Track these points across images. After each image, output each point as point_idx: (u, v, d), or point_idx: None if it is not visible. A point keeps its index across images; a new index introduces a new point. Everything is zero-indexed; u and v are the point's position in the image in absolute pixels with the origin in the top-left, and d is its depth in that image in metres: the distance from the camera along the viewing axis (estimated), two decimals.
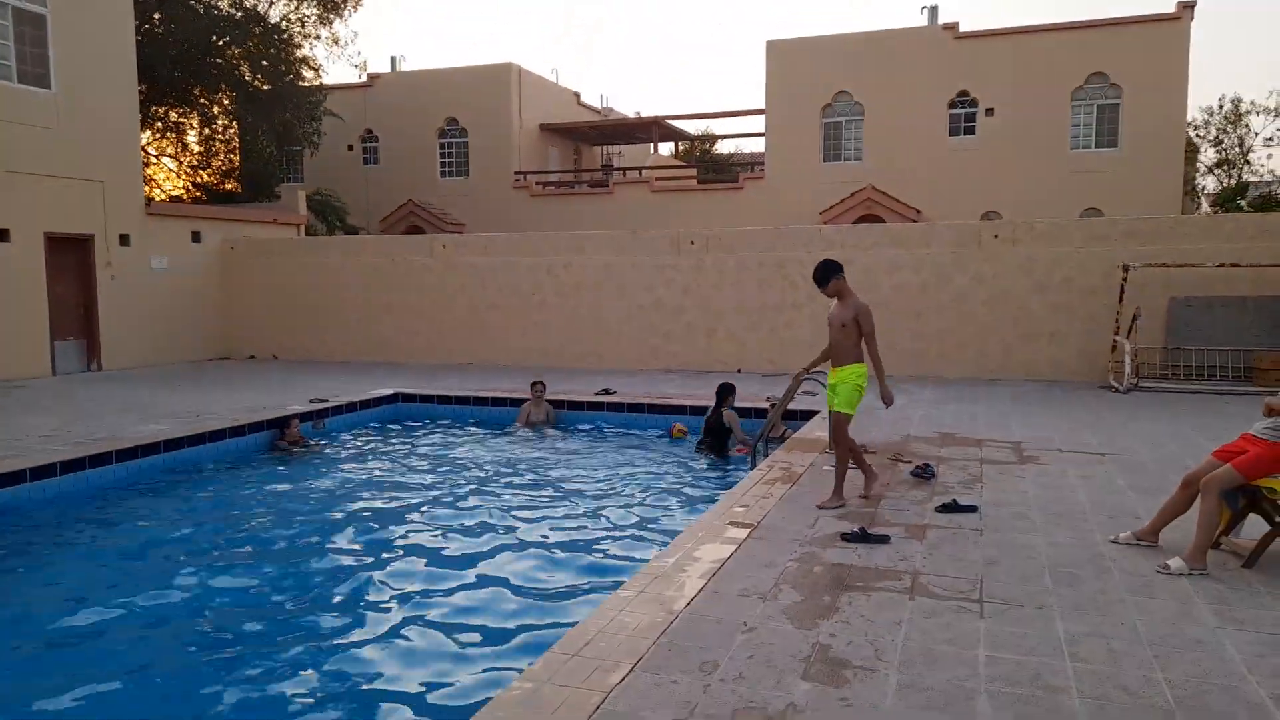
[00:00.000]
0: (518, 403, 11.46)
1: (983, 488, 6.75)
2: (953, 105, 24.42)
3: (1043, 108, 23.47)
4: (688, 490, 8.29)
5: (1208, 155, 34.61)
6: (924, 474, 7.05)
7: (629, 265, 15.79)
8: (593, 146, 35.61)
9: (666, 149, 38.69)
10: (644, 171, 29.70)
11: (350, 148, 29.10)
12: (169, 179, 23.67)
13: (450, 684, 4.39)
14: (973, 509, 6.07)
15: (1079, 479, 7.01)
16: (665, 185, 27.63)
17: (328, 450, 9.96)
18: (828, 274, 6.47)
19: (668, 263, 15.55)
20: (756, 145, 35.36)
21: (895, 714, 3.31)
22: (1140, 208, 21.39)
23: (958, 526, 5.72)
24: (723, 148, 43.85)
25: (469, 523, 7.13)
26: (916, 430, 9.25)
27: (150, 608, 5.40)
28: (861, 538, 5.41)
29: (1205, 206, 33.37)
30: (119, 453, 8.15)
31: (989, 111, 24.08)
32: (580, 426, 11.21)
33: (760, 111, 27.07)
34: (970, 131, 24.36)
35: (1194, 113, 34.34)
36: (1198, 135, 33.96)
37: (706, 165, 37.72)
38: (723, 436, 9.62)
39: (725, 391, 9.75)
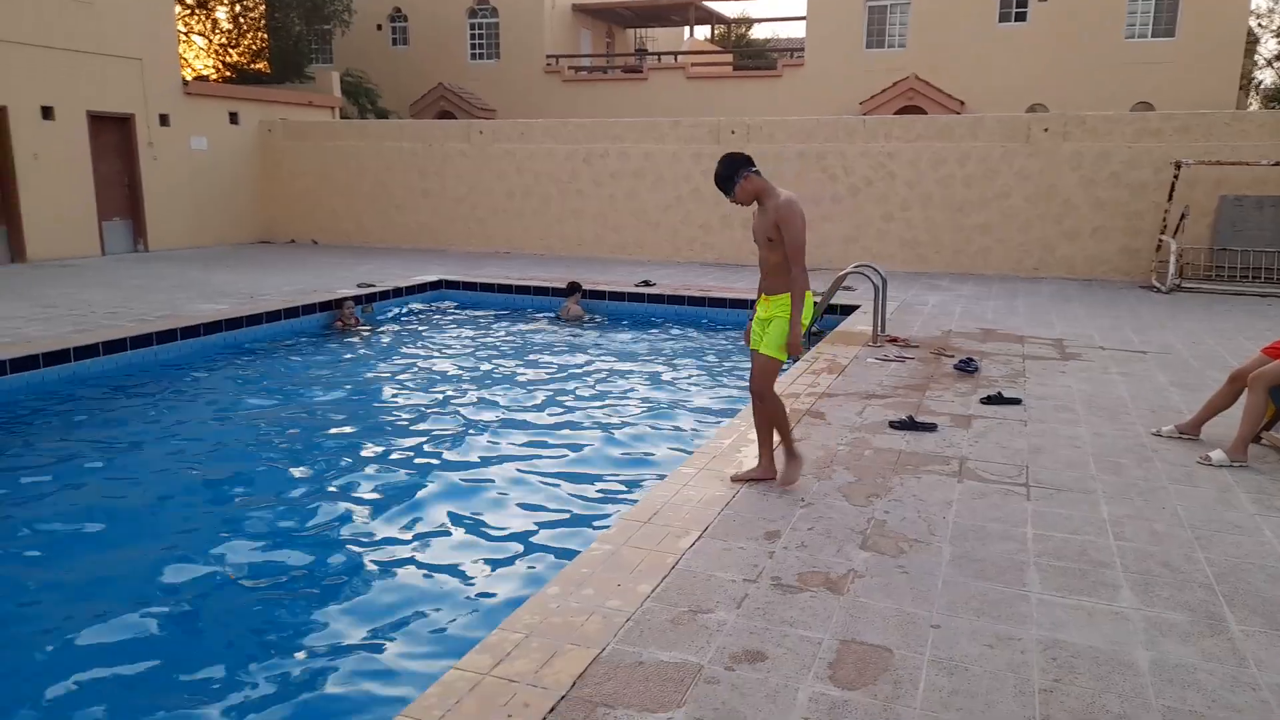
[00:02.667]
0: (559, 292, 11.62)
1: (1026, 382, 6.90)
2: None
3: None
4: (731, 379, 8.50)
5: (1268, 47, 33.07)
6: (967, 368, 7.20)
7: (668, 154, 15.62)
8: (626, 29, 34.53)
9: (702, 33, 37.41)
10: (679, 57, 28.88)
11: (379, 27, 28.43)
12: (199, 57, 23.36)
13: (512, 558, 4.70)
14: (1017, 401, 6.24)
15: (1121, 375, 7.13)
16: (700, 71, 26.91)
17: (380, 333, 10.23)
18: (732, 171, 4.42)
19: (706, 151, 15.36)
20: (796, 30, 34.15)
21: (951, 582, 3.56)
22: (1194, 102, 20.67)
23: (1002, 417, 5.90)
24: (760, 33, 42.36)
25: (521, 404, 7.40)
26: (958, 326, 9.34)
27: (236, 475, 5.76)
28: (909, 425, 5.62)
29: (1256, 104, 32.08)
30: (183, 329, 8.45)
31: None
32: (621, 319, 11.38)
33: None
34: (1021, 18, 23.36)
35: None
36: (1260, 24, 32.37)
37: (743, 51, 36.54)
38: None
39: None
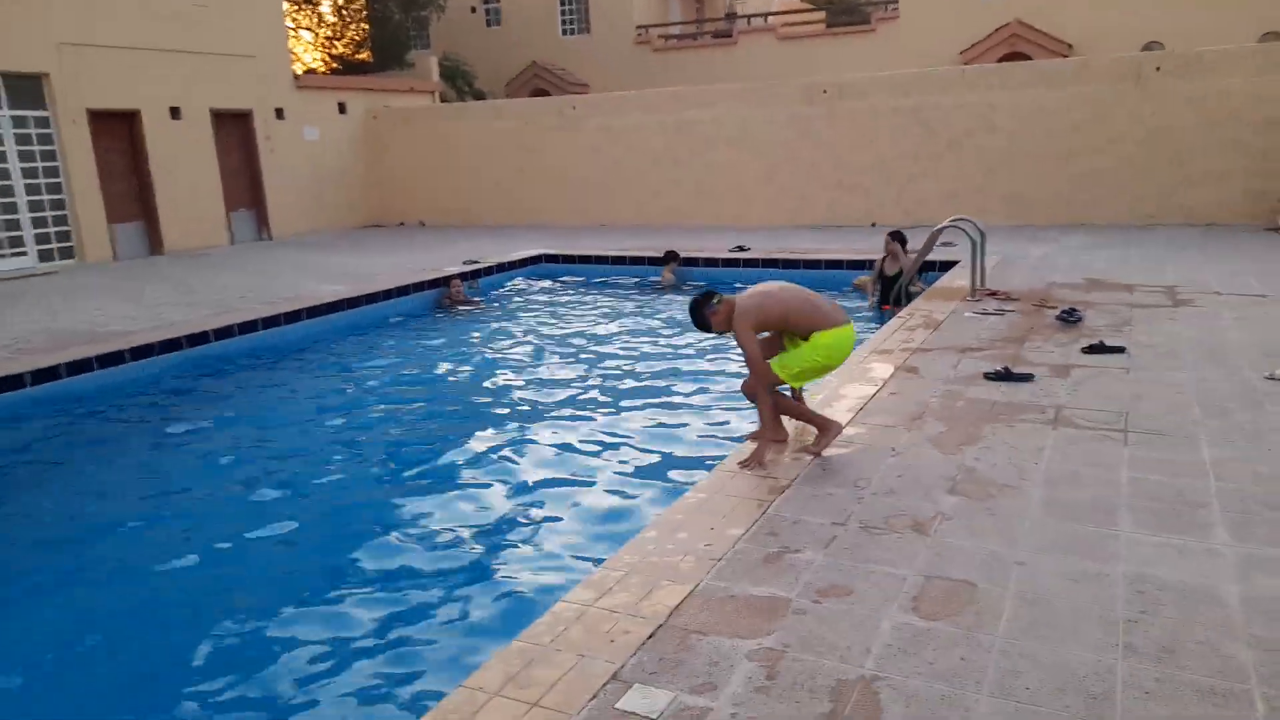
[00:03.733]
0: (655, 261, 11.83)
1: (1131, 330, 6.73)
2: None
3: None
4: None
5: None
6: (1070, 318, 7.06)
7: (760, 119, 15.55)
8: None
9: None
10: (769, 18, 28.45)
11: (473, 9, 29.06)
12: (307, 51, 24.48)
13: (618, 505, 4.98)
14: (1120, 350, 6.12)
15: (1235, 320, 6.87)
16: (791, 32, 26.45)
17: (488, 307, 10.70)
18: (700, 316, 4.45)
19: (800, 113, 15.22)
20: None
21: (1038, 523, 3.63)
22: None
23: (1104, 366, 5.81)
24: None
25: (620, 368, 7.68)
26: (1062, 278, 9.11)
27: (345, 442, 6.26)
28: (1005, 376, 5.61)
29: None
30: (309, 309, 9.09)
31: None
32: (718, 285, 11.48)
33: None
34: None
35: None
36: None
37: (835, 8, 35.61)
38: (893, 285, 9.22)
39: (904, 238, 9.35)
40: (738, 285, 11.15)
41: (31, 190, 13.59)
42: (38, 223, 13.70)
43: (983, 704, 2.52)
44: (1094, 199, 13.44)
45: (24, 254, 13.57)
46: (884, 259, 9.42)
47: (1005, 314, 7.50)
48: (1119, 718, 2.43)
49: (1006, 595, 3.09)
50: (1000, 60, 21.47)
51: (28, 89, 13.42)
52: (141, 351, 7.69)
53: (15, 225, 13.45)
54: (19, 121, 13.38)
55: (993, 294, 8.26)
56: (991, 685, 2.60)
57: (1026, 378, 5.59)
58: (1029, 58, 21.09)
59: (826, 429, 4.54)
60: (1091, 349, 6.14)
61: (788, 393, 4.74)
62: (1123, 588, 3.10)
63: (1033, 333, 6.83)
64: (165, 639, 3.83)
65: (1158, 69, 12.85)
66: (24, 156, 13.46)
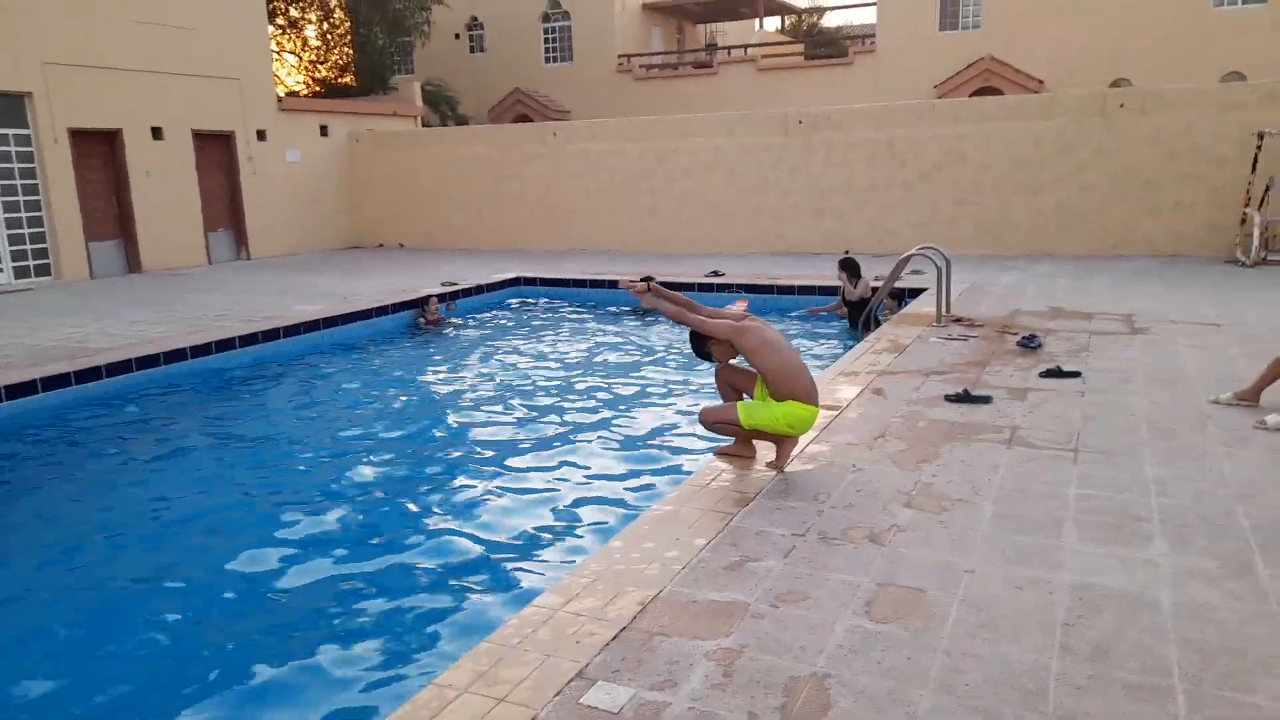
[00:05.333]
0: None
1: (1089, 356, 6.97)
2: None
3: None
4: None
5: None
6: (1030, 344, 7.29)
7: (737, 148, 15.87)
8: (696, 25, 34.77)
9: (773, 25, 37.38)
10: (749, 50, 29.00)
11: (457, 36, 29.41)
12: (290, 74, 24.63)
13: (585, 519, 5.10)
14: (1076, 374, 6.34)
15: (1189, 348, 7.13)
16: (772, 63, 26.98)
17: (463, 328, 10.82)
18: (699, 345, 5.03)
19: (775, 143, 15.55)
20: (868, 16, 33.75)
21: (988, 535, 3.80)
22: None
23: (1060, 390, 6.03)
24: (832, 20, 41.99)
25: (594, 389, 7.82)
26: (1027, 305, 9.37)
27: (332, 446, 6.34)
28: (965, 398, 5.80)
29: None
30: (285, 329, 9.17)
31: None
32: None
33: None
34: None
35: None
36: None
37: (814, 40, 36.34)
38: (860, 309, 9.49)
39: (855, 267, 9.64)
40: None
41: (9, 208, 13.59)
42: (14, 240, 13.68)
43: (926, 699, 2.66)
44: (1061, 229, 13.81)
45: None
46: (844, 286, 9.74)
47: (969, 339, 7.73)
48: (1051, 710, 2.59)
49: (954, 601, 3.24)
50: (973, 94, 22.03)
51: (10, 107, 13.46)
52: (118, 368, 7.74)
53: None
54: (0, 140, 13.41)
55: (958, 320, 8.49)
56: (935, 682, 2.75)
57: (985, 399, 5.79)
58: (1001, 92, 21.65)
59: (784, 445, 4.71)
60: (1049, 373, 6.36)
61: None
62: (1064, 594, 3.26)
63: (994, 357, 7.05)
64: (124, 649, 3.89)
65: (1122, 105, 13.28)
66: (2, 174, 13.47)
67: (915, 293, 10.40)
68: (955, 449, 4.90)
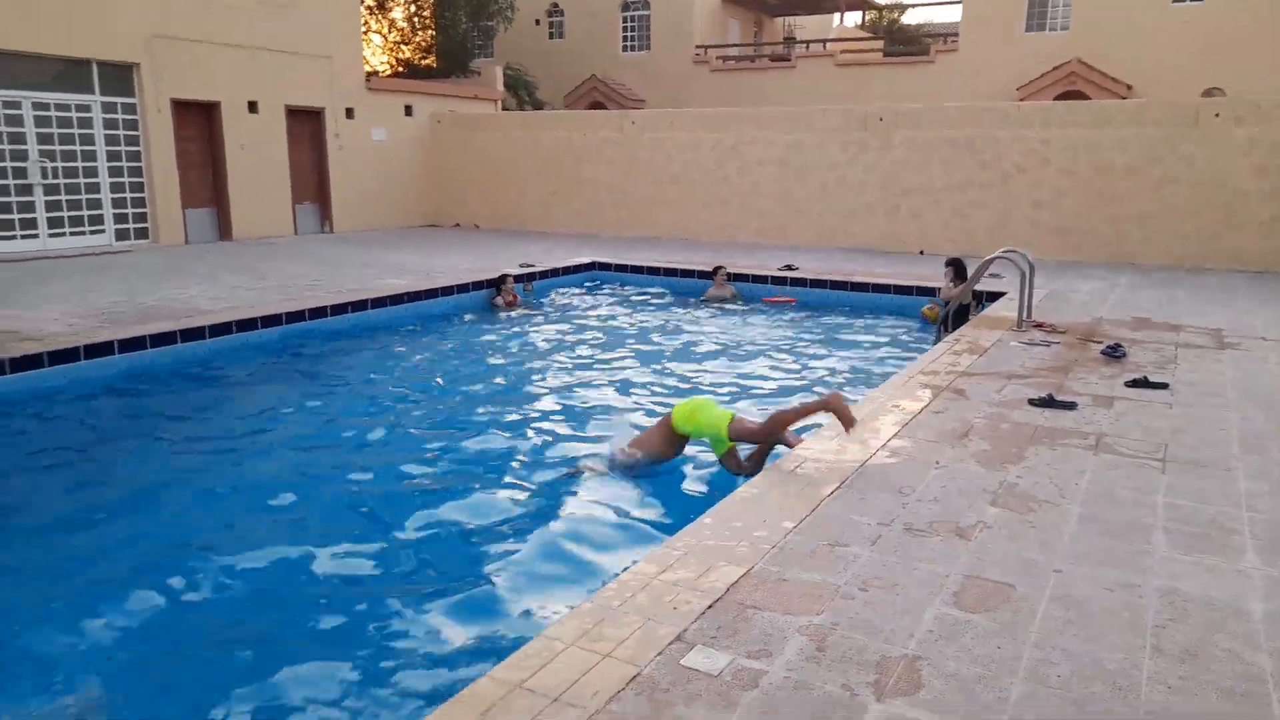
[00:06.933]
0: (704, 274, 12.12)
1: (1176, 368, 6.88)
2: None
3: None
4: (867, 359, 8.78)
5: None
6: (1114, 353, 7.21)
7: (813, 142, 15.82)
8: (774, 18, 34.57)
9: (852, 20, 36.95)
10: (828, 44, 28.75)
11: (537, 22, 29.73)
12: (375, 54, 25.20)
13: (661, 508, 5.25)
14: (1164, 385, 6.28)
15: None
16: (850, 59, 26.73)
17: (539, 310, 11.06)
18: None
19: (853, 139, 15.47)
20: (951, 15, 33.19)
21: (1075, 536, 3.84)
22: None
23: (1146, 400, 5.98)
24: (913, 18, 41.32)
25: (665, 374, 7.96)
26: (1110, 314, 9.24)
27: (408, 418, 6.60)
28: (1049, 403, 5.80)
29: None
30: (374, 300, 9.51)
31: None
32: (761, 301, 11.76)
33: None
34: None
35: None
36: None
37: (894, 37, 35.83)
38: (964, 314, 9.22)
39: (963, 268, 9.38)
40: (785, 312, 11.45)
41: (114, 173, 14.27)
42: (117, 203, 14.37)
43: (1017, 686, 2.75)
44: (1144, 239, 13.50)
45: (102, 232, 14.23)
46: (946, 285, 9.61)
47: (1051, 345, 7.67)
48: (1142, 707, 2.65)
49: (1043, 597, 3.31)
50: (1056, 98, 21.55)
51: (119, 77, 14.12)
52: (220, 329, 8.13)
53: (97, 205, 14.13)
54: (109, 108, 14.07)
55: (1039, 326, 8.42)
56: (1025, 672, 2.83)
57: (1070, 405, 5.77)
58: (1086, 97, 21.15)
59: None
60: (1135, 383, 6.30)
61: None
62: (1153, 598, 3.30)
63: (1077, 365, 7.00)
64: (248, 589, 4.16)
65: (1217, 115, 12.92)
66: (110, 140, 14.15)
67: (993, 296, 10.31)
68: (1040, 452, 4.92)
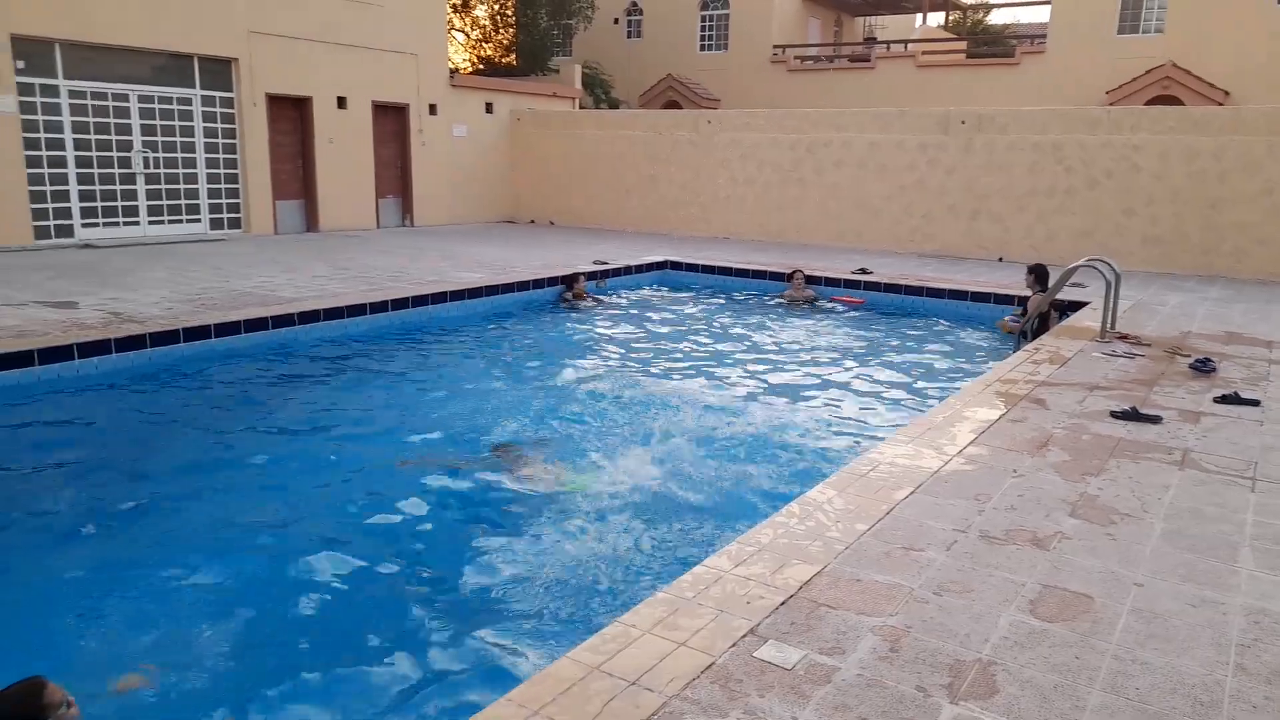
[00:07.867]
0: (776, 276, 12.09)
1: (1268, 385, 6.64)
2: None
3: None
4: (945, 364, 8.67)
5: None
6: (1203, 367, 7.00)
7: (892, 144, 15.63)
8: (854, 18, 34.15)
9: (935, 20, 36.25)
10: (909, 45, 28.29)
11: (615, 21, 29.94)
12: (458, 52, 25.75)
13: (726, 510, 5.30)
14: (1255, 403, 6.08)
15: None
16: (931, 60, 26.26)
17: (613, 307, 11.20)
18: None
19: (933, 141, 15.23)
20: (1038, 15, 32.33)
21: (1158, 551, 3.78)
22: None
23: (1236, 416, 5.80)
24: (998, 18, 40.35)
25: (741, 374, 8.00)
26: (1199, 328, 8.94)
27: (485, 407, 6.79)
28: (1133, 416, 5.67)
29: None
30: (452, 293, 9.78)
31: None
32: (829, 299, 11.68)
33: None
34: None
35: None
36: None
37: (978, 38, 35.05)
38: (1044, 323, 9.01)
39: (1046, 275, 9.16)
40: (851, 313, 11.37)
41: (211, 164, 14.91)
42: (213, 194, 15.01)
43: (1095, 696, 2.74)
44: (1238, 251, 13.00)
45: (198, 221, 14.88)
46: (1031, 293, 9.35)
47: (1135, 357, 7.47)
48: None
49: (1123, 610, 3.27)
50: (1148, 103, 20.84)
51: (219, 72, 14.75)
52: (308, 316, 8.46)
53: (194, 195, 14.78)
54: (208, 101, 14.71)
55: (1123, 337, 8.20)
56: (1104, 682, 2.81)
57: (1155, 419, 5.64)
58: (1180, 102, 20.40)
59: None
60: (1225, 399, 6.11)
61: None
62: (1239, 616, 3.24)
63: (1163, 378, 6.81)
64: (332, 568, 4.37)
65: None
66: (208, 133, 14.79)
67: (1075, 306, 10.06)
68: (1123, 465, 4.83)
